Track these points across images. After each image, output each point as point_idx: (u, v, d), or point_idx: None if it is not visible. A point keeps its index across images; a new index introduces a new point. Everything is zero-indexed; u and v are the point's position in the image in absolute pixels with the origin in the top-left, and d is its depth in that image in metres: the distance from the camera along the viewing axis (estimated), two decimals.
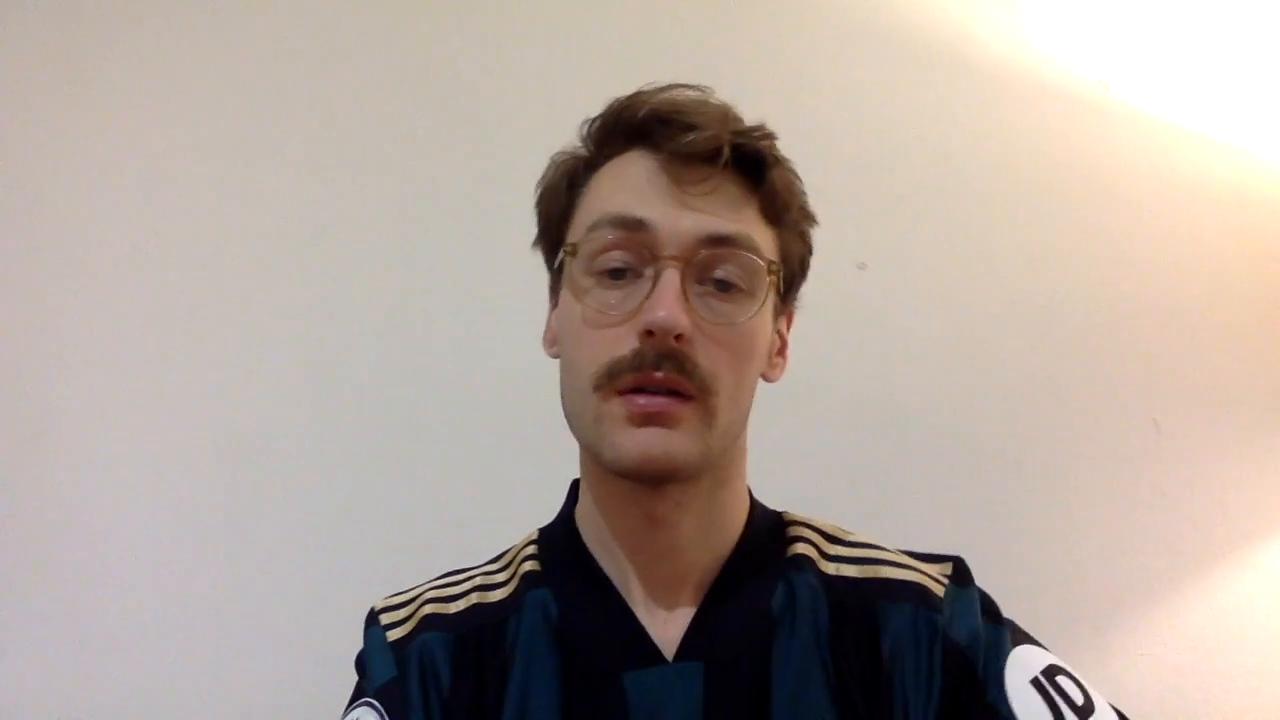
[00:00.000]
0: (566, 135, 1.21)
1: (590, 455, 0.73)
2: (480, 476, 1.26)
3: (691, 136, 0.69)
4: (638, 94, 0.73)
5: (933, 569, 0.76)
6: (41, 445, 1.27)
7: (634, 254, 0.70)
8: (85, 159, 1.31)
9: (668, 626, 0.72)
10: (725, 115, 0.72)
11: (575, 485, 0.81)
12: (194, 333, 1.28)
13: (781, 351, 0.78)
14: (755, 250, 0.70)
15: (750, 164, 0.71)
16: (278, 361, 1.28)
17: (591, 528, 0.76)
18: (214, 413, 1.27)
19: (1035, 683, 0.71)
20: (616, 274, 0.70)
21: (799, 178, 0.76)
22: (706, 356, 0.68)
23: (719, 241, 0.69)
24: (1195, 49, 1.29)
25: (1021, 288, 1.28)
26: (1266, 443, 1.25)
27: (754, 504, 0.78)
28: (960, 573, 0.76)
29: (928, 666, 0.71)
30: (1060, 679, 0.72)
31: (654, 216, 0.69)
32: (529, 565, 0.77)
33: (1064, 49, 1.30)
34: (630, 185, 0.71)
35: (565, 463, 1.24)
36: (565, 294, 0.74)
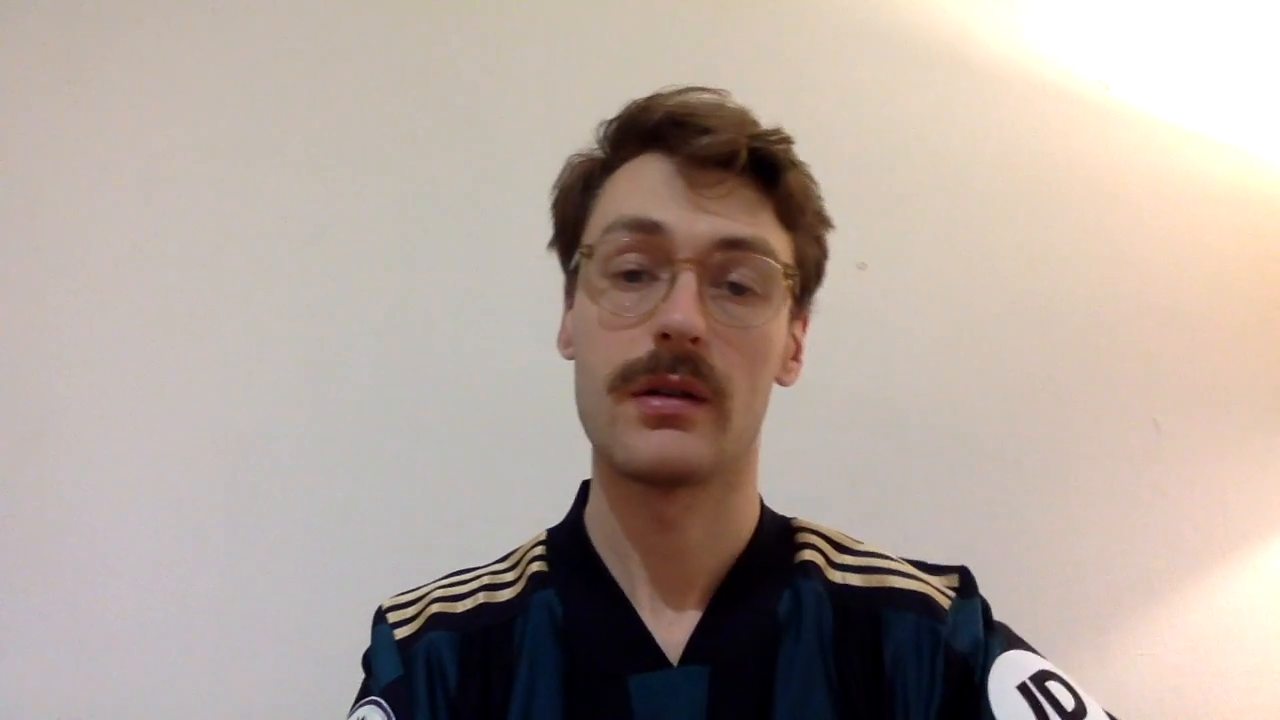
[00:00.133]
0: (566, 135, 1.21)
1: (603, 457, 0.73)
2: (480, 476, 1.26)
3: (708, 140, 0.69)
4: (654, 97, 0.73)
5: (938, 581, 0.76)
6: (41, 445, 1.27)
7: (650, 256, 0.70)
8: (85, 159, 1.30)
9: (673, 630, 0.72)
10: (742, 119, 0.72)
11: (584, 486, 0.81)
12: (194, 333, 1.28)
13: (796, 356, 0.78)
14: (771, 254, 0.70)
15: (766, 168, 0.71)
16: (278, 361, 1.28)
17: (600, 530, 0.76)
18: (214, 412, 1.27)
19: (1022, 688, 0.71)
20: (632, 276, 0.70)
21: (815, 181, 0.76)
22: (722, 360, 0.68)
23: (735, 245, 0.69)
24: (1195, 49, 1.29)
25: (1021, 288, 1.28)
26: (1266, 443, 1.25)
27: (763, 509, 0.78)
28: (965, 584, 0.76)
29: (929, 675, 0.71)
30: (1051, 684, 0.72)
31: (670, 219, 0.69)
32: (536, 566, 0.77)
33: (1064, 49, 1.30)
34: (646, 188, 0.71)
35: (565, 463, 1.24)
36: (580, 295, 0.73)
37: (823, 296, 0.80)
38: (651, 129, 0.72)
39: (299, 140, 1.31)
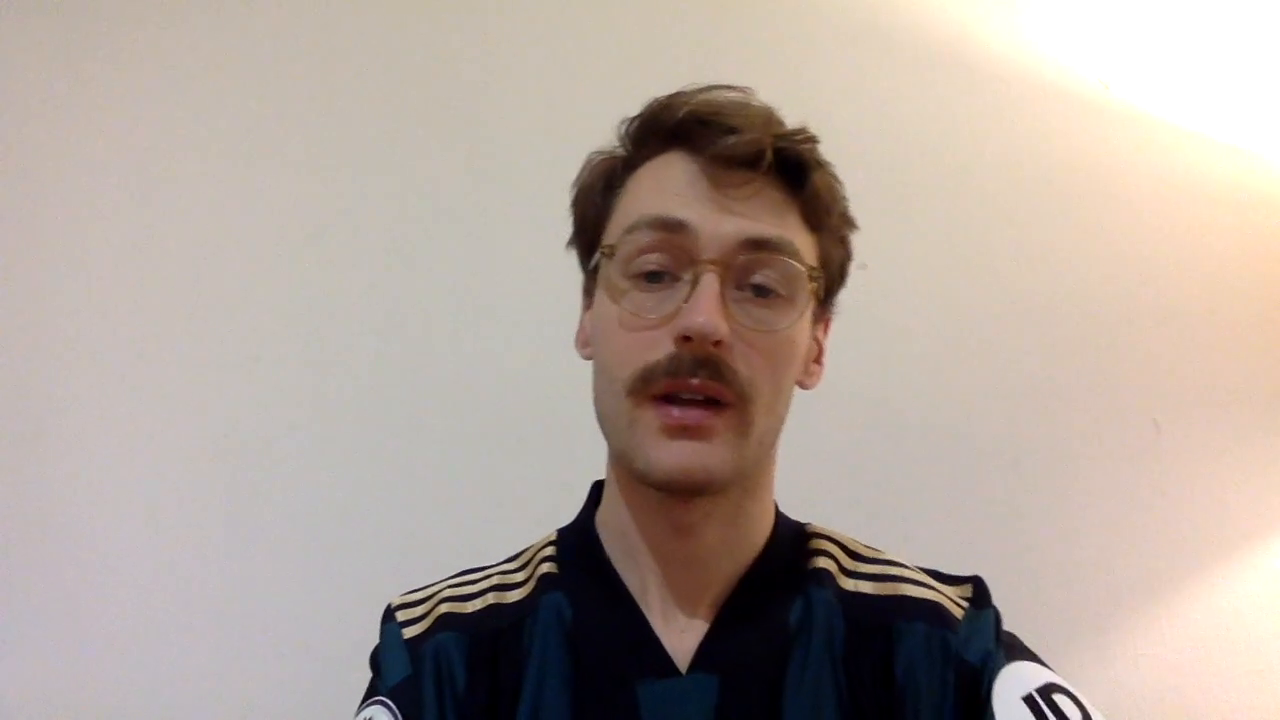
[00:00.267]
0: (566, 135, 1.21)
1: (621, 461, 0.72)
2: (479, 476, 1.26)
3: (733, 140, 0.68)
4: (677, 94, 0.72)
5: (952, 590, 0.75)
6: (41, 445, 1.27)
7: (672, 257, 0.68)
8: (85, 159, 1.31)
9: (683, 637, 0.71)
10: (768, 118, 0.71)
11: (596, 487, 0.80)
12: (194, 332, 1.28)
13: (818, 358, 0.77)
14: (796, 255, 0.69)
15: (792, 168, 0.70)
16: (277, 361, 1.28)
17: (613, 532, 0.75)
18: (214, 412, 1.27)
19: (1028, 699, 0.69)
20: (654, 277, 0.69)
21: (840, 181, 0.75)
22: (744, 363, 0.67)
23: (759, 245, 0.68)
24: (1195, 49, 1.29)
25: (1021, 288, 1.28)
26: (1266, 443, 1.25)
27: (778, 514, 0.77)
28: (979, 594, 0.75)
29: (940, 686, 0.70)
30: (1058, 697, 0.70)
31: (694, 219, 0.68)
32: (546, 567, 0.76)
33: (1064, 49, 1.30)
34: (670, 187, 0.70)
35: (565, 463, 1.25)
36: (600, 295, 0.72)
37: None
38: (674, 127, 0.71)
39: (299, 140, 1.31)
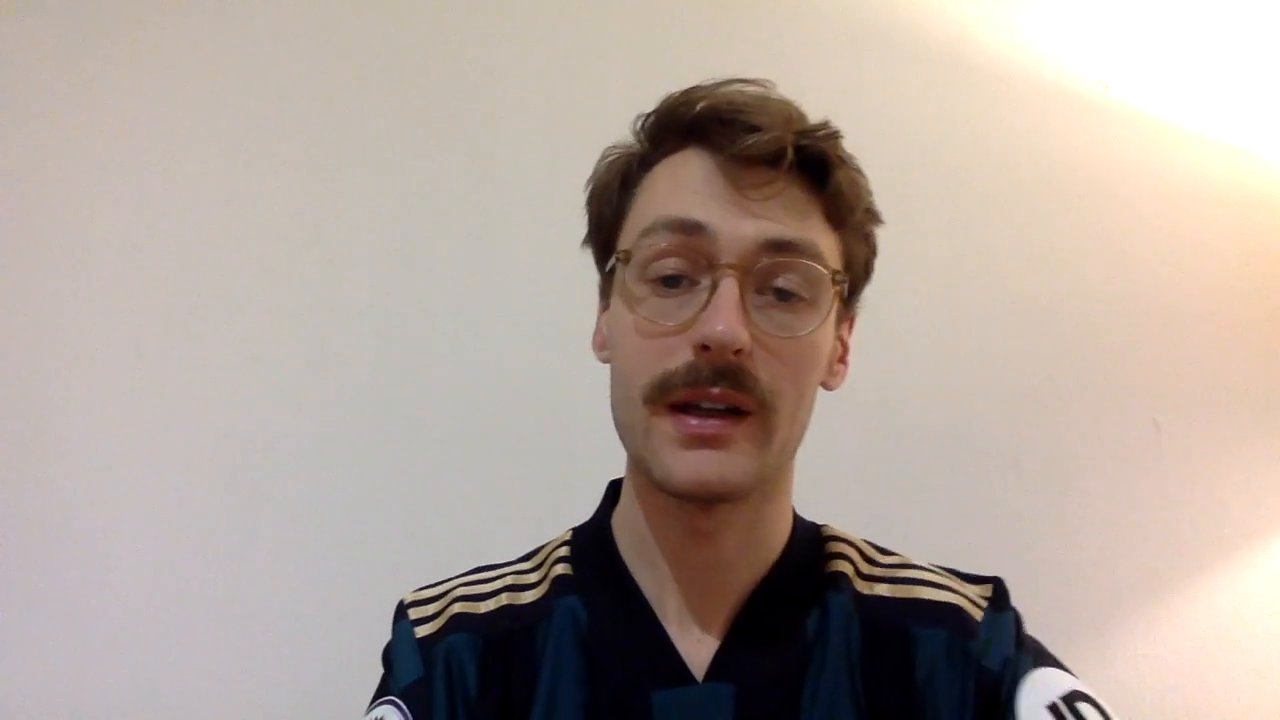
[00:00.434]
0: (567, 135, 1.22)
1: (639, 469, 0.70)
2: (480, 477, 1.26)
3: (753, 139, 0.65)
4: (694, 89, 0.69)
5: (971, 590, 0.74)
6: (41, 445, 1.27)
7: (690, 261, 0.66)
8: (85, 159, 1.30)
9: (700, 645, 0.70)
10: (788, 114, 0.68)
11: (611, 487, 0.79)
12: (194, 332, 1.28)
13: (843, 358, 0.75)
14: (819, 258, 0.67)
15: (814, 166, 0.68)
16: (278, 361, 1.28)
17: (629, 535, 0.74)
18: (214, 412, 1.27)
19: (1052, 708, 0.68)
20: (671, 281, 0.67)
21: (864, 175, 0.72)
22: (766, 370, 0.65)
23: (781, 248, 0.66)
24: (1195, 49, 1.29)
25: (1021, 288, 1.28)
26: (1266, 443, 1.25)
27: (795, 518, 0.76)
28: (999, 595, 0.74)
29: (959, 693, 0.68)
30: (1081, 705, 0.68)
31: (713, 220, 0.65)
32: (560, 569, 0.75)
33: (1064, 49, 1.30)
34: (687, 187, 0.67)
35: (566, 464, 1.25)
36: (616, 301, 0.70)
37: None
38: (691, 123, 0.68)
39: (299, 140, 1.31)
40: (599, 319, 0.76)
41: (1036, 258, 1.28)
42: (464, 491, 1.25)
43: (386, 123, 1.31)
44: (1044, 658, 0.73)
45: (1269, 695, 1.22)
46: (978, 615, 0.72)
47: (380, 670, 0.76)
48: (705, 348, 0.64)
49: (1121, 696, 1.20)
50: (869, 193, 0.73)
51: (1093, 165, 1.29)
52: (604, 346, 0.74)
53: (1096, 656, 1.21)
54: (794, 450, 0.71)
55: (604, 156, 0.74)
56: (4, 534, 1.26)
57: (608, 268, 0.73)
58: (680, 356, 0.65)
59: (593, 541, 0.76)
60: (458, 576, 0.78)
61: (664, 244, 0.66)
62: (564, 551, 0.77)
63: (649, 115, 0.71)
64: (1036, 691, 0.69)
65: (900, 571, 0.75)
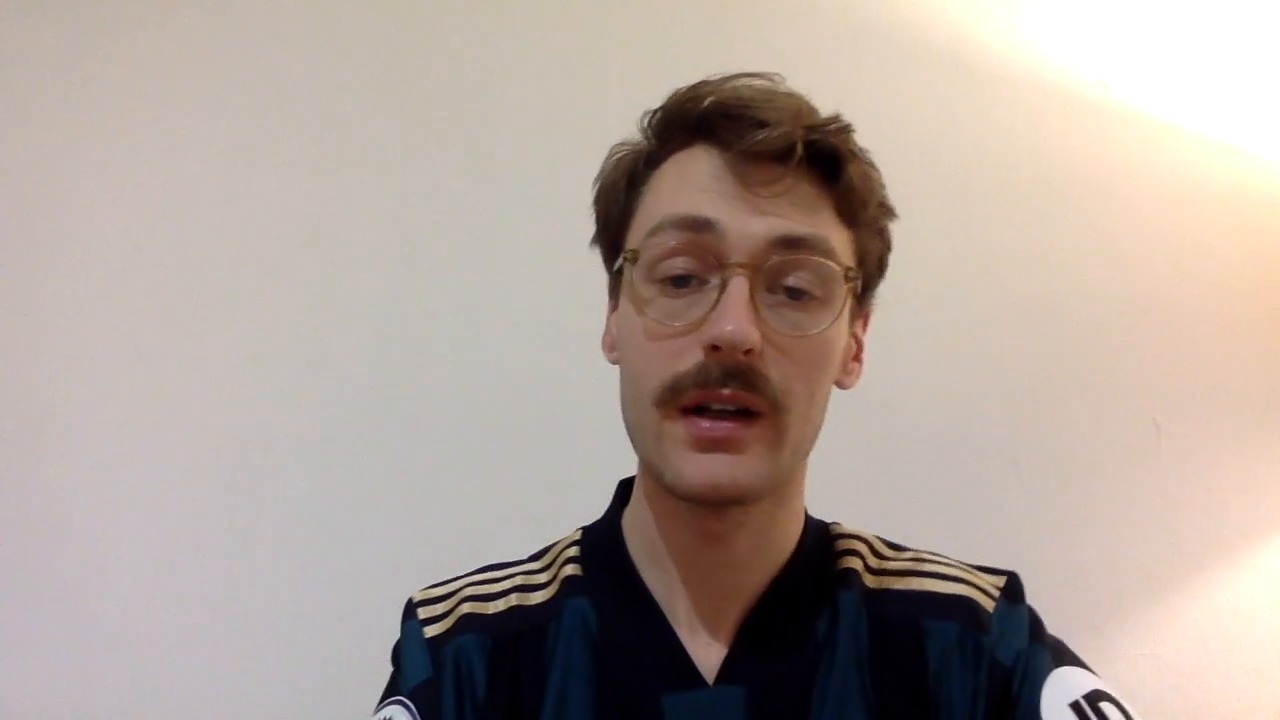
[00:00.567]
0: (567, 135, 1.22)
1: (650, 472, 0.69)
2: (480, 477, 1.26)
3: (762, 135, 0.64)
4: (701, 84, 0.68)
5: (984, 579, 0.73)
6: (41, 445, 1.27)
7: (699, 260, 0.65)
8: (85, 159, 1.30)
9: (710, 648, 0.70)
10: (797, 108, 0.67)
11: (622, 486, 0.78)
12: (194, 332, 1.28)
13: (857, 356, 0.74)
14: (831, 254, 0.66)
15: (825, 160, 0.66)
16: (277, 361, 1.28)
17: (640, 537, 0.73)
18: (214, 412, 1.27)
19: (1075, 706, 0.67)
20: (680, 281, 0.65)
21: (877, 169, 0.71)
22: (777, 370, 0.64)
23: (792, 244, 0.64)
24: (1195, 49, 1.29)
25: (1021, 288, 1.28)
26: (1266, 443, 1.25)
27: (806, 518, 0.75)
28: (1012, 587, 0.73)
29: (971, 687, 0.68)
30: (1104, 705, 0.68)
31: (721, 217, 0.64)
32: (570, 569, 0.74)
33: (1064, 49, 1.30)
34: (695, 184, 0.66)
35: (567, 464, 1.25)
36: (625, 302, 0.69)
37: None
38: (698, 119, 0.67)
39: (299, 140, 1.31)
40: (608, 319, 0.75)
41: (1036, 258, 1.28)
42: (464, 491, 1.25)
43: (386, 123, 1.31)
44: (1065, 656, 0.72)
45: (1269, 695, 1.22)
46: (989, 607, 0.71)
47: (382, 668, 0.76)
48: (715, 348, 0.63)
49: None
50: (882, 187, 0.72)
51: (1093, 165, 1.29)
52: (614, 347, 0.73)
53: (1096, 656, 1.20)
54: (807, 451, 0.70)
55: (611, 154, 0.73)
56: (4, 534, 1.25)
57: (615, 267, 0.72)
58: (690, 358, 0.64)
59: (602, 542, 0.76)
60: (467, 575, 0.77)
61: (672, 243, 0.65)
62: (573, 552, 0.76)
63: (656, 112, 0.70)
64: (1059, 690, 0.68)
65: (911, 564, 0.75)
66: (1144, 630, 1.23)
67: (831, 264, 0.66)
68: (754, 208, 0.65)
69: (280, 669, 1.23)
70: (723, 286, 0.64)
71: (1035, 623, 0.73)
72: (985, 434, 1.26)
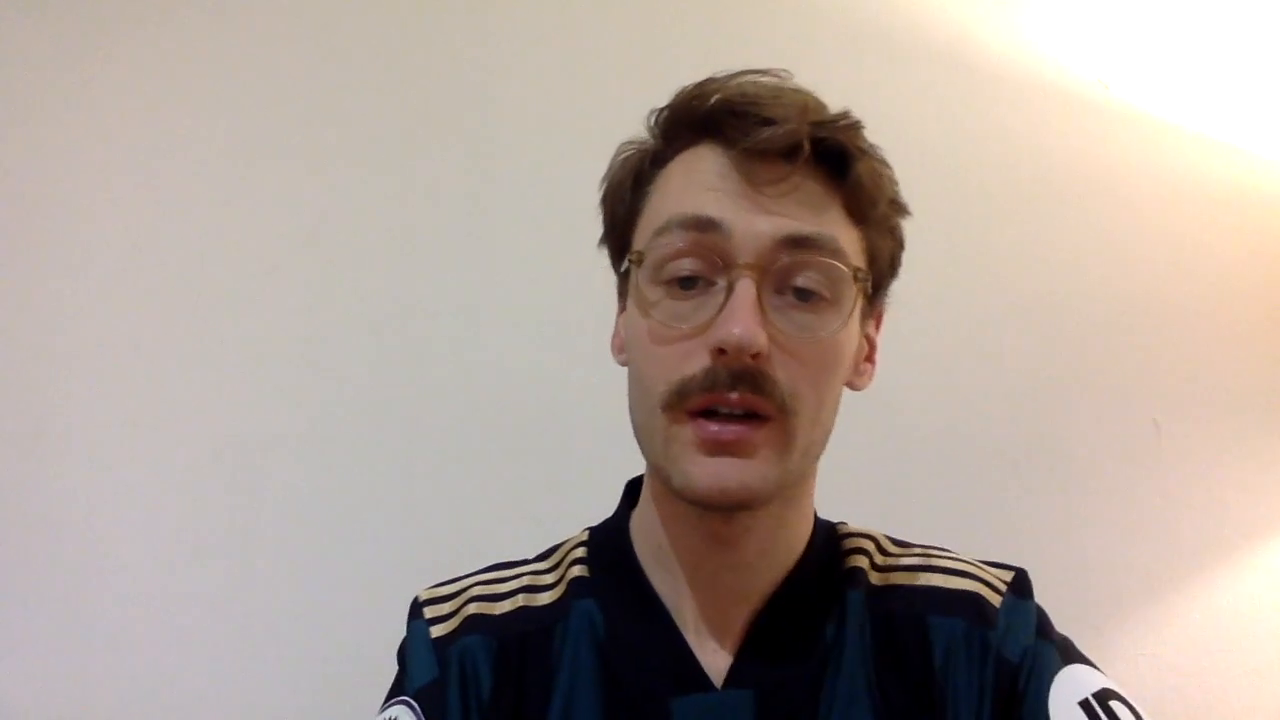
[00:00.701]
0: (568, 135, 1.22)
1: (658, 475, 0.68)
2: (480, 476, 1.26)
3: (767, 133, 0.63)
4: (707, 81, 0.67)
5: (992, 573, 0.73)
6: (41, 445, 1.27)
7: (705, 261, 0.64)
8: (85, 159, 1.30)
9: (718, 651, 0.69)
10: (804, 106, 0.66)
11: (629, 487, 0.78)
12: (194, 332, 1.28)
13: (869, 356, 0.74)
14: (839, 254, 0.65)
15: (833, 158, 0.66)
16: (277, 361, 1.28)
17: (647, 540, 0.73)
18: (213, 412, 1.27)
19: (1084, 705, 0.67)
20: (686, 283, 0.65)
21: (888, 165, 0.70)
22: (786, 373, 0.63)
23: (799, 244, 0.64)
24: (1195, 49, 1.29)
25: (1021, 288, 1.28)
26: (1266, 443, 1.25)
27: (815, 520, 0.75)
28: (1020, 582, 0.73)
29: (978, 683, 0.68)
30: (1114, 704, 0.68)
31: (727, 217, 0.64)
32: (577, 570, 0.74)
33: (1064, 49, 1.30)
34: (701, 183, 0.66)
35: (566, 463, 1.25)
36: (632, 304, 0.69)
37: None
38: (704, 117, 0.66)
39: (299, 140, 1.31)
40: (617, 320, 0.74)
41: (1036, 257, 1.28)
42: (464, 491, 1.25)
43: (387, 122, 1.31)
44: (1073, 653, 0.72)
45: (1269, 695, 1.22)
46: (996, 601, 0.71)
47: (382, 668, 0.75)
48: (722, 352, 0.62)
49: None
50: (894, 184, 0.71)
51: (1093, 165, 1.29)
52: (622, 349, 0.72)
53: (1096, 656, 1.19)
54: (817, 454, 0.70)
55: (618, 153, 0.72)
56: (4, 534, 1.25)
57: (622, 269, 0.71)
58: (697, 361, 0.64)
59: (609, 543, 0.75)
60: (473, 574, 0.77)
61: (678, 243, 0.65)
62: (580, 553, 0.75)
63: (662, 110, 0.70)
64: (1067, 688, 0.68)
65: (917, 560, 0.74)
66: (1144, 630, 1.23)
67: (840, 265, 0.65)
68: (760, 207, 0.64)
69: (280, 669, 1.23)
70: (729, 288, 0.63)
71: (1042, 619, 0.73)
72: (985, 434, 1.26)
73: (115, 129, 1.31)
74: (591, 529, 0.78)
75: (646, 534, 0.73)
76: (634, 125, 0.73)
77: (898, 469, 1.26)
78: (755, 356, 0.62)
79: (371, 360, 1.28)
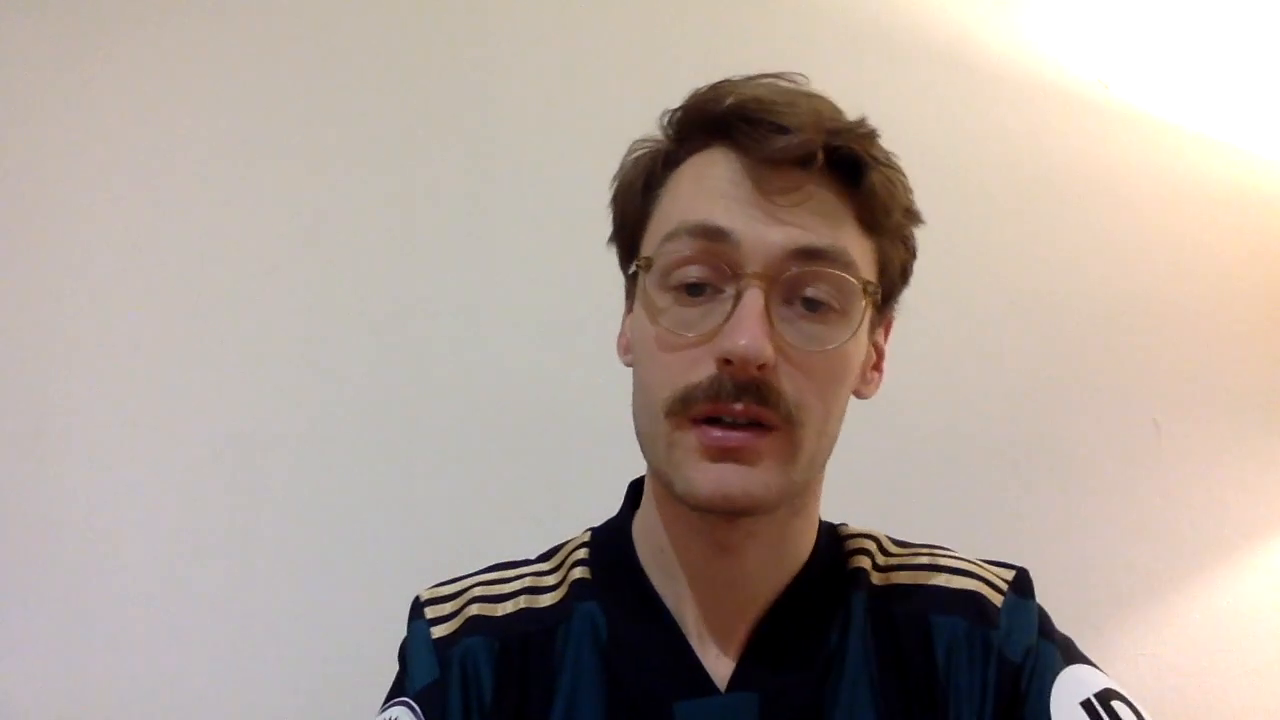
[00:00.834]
0: (568, 135, 1.22)
1: (660, 480, 0.68)
2: (480, 477, 1.26)
3: (781, 141, 0.63)
4: (723, 84, 0.67)
5: (992, 572, 0.73)
6: (41, 445, 1.27)
7: (713, 269, 0.64)
8: (85, 158, 1.30)
9: (721, 655, 0.69)
10: (819, 113, 0.65)
11: (632, 488, 0.77)
12: (194, 332, 1.28)
13: (877, 365, 0.73)
14: (850, 267, 0.64)
15: (846, 167, 0.65)
16: (277, 360, 1.28)
17: (649, 542, 0.72)
18: (214, 412, 1.27)
19: (1087, 705, 0.67)
20: (694, 289, 0.64)
21: (903, 174, 0.70)
22: (793, 384, 0.63)
23: (810, 256, 0.63)
24: (1195, 49, 1.29)
25: (1022, 288, 1.28)
26: (1266, 442, 1.25)
27: (820, 525, 0.74)
28: (1021, 581, 0.73)
29: (980, 682, 0.68)
30: (1116, 704, 0.68)
31: (737, 226, 0.63)
32: (579, 572, 0.73)
33: (1064, 49, 1.30)
34: (712, 190, 0.65)
35: (566, 463, 1.25)
36: (639, 308, 0.68)
37: None
38: (717, 121, 0.66)
39: (299, 140, 1.31)
40: (624, 321, 0.74)
41: (1036, 257, 1.28)
42: (464, 491, 1.25)
43: (386, 122, 1.31)
44: (1075, 653, 0.72)
45: (1269, 695, 1.22)
46: (997, 601, 0.71)
47: (382, 668, 0.75)
48: (728, 362, 0.62)
49: None
50: (908, 193, 0.70)
51: (1093, 165, 1.29)
52: (628, 350, 0.72)
53: (1096, 656, 1.19)
54: (823, 463, 0.69)
55: (630, 151, 0.71)
56: (4, 534, 1.26)
57: (630, 272, 0.71)
58: (703, 369, 0.63)
59: (611, 545, 0.75)
60: (475, 574, 0.76)
61: (686, 251, 0.64)
62: (582, 554, 0.75)
63: (676, 110, 0.69)
64: (1070, 688, 0.68)
65: (919, 560, 0.74)
66: (1144, 630, 1.23)
67: (850, 278, 0.64)
68: (771, 217, 0.63)
69: (280, 669, 1.23)
70: (737, 297, 0.63)
71: (1044, 619, 0.73)
72: (985, 434, 1.26)
73: (115, 129, 1.31)
74: (593, 530, 0.78)
75: (648, 536, 0.73)
76: (634, 125, 0.73)
77: (898, 469, 1.26)
78: (761, 368, 0.62)
79: (371, 360, 1.28)
